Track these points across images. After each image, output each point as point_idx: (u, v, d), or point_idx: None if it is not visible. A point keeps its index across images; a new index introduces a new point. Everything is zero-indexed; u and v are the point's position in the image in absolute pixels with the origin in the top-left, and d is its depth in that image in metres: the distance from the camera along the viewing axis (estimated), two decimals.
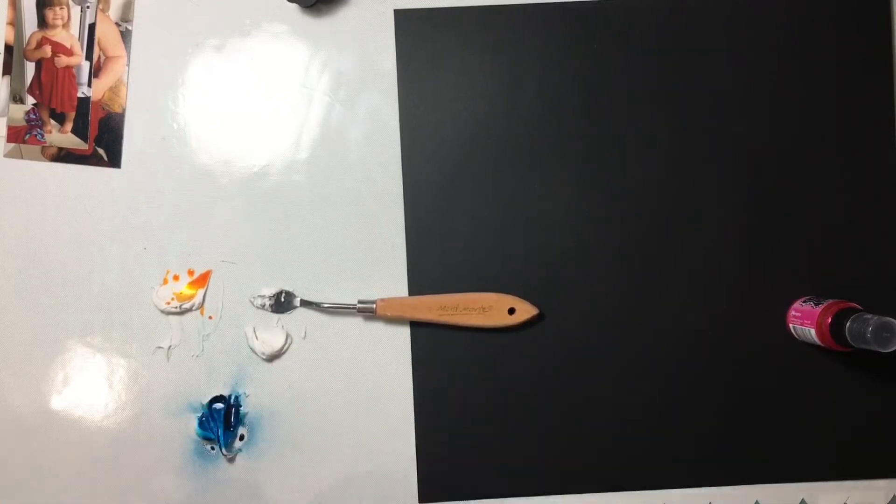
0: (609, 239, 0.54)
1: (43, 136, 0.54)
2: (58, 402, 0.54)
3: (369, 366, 0.54)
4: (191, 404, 0.54)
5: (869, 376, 0.54)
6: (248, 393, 0.54)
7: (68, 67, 0.54)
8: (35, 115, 0.54)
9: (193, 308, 0.54)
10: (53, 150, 0.54)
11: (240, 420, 0.54)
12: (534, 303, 0.53)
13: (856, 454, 0.54)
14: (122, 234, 0.54)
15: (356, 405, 0.54)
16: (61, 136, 0.54)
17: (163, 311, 0.54)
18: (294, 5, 0.54)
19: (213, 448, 0.54)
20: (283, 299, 0.54)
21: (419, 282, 0.54)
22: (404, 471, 0.54)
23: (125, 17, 0.54)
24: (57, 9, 0.54)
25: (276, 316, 0.54)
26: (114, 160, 0.54)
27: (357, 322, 0.54)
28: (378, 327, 0.54)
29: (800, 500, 0.55)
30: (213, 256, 0.54)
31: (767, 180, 0.54)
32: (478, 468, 0.54)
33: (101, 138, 0.54)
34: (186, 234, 0.54)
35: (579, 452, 0.54)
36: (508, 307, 0.53)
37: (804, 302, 0.52)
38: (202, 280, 0.54)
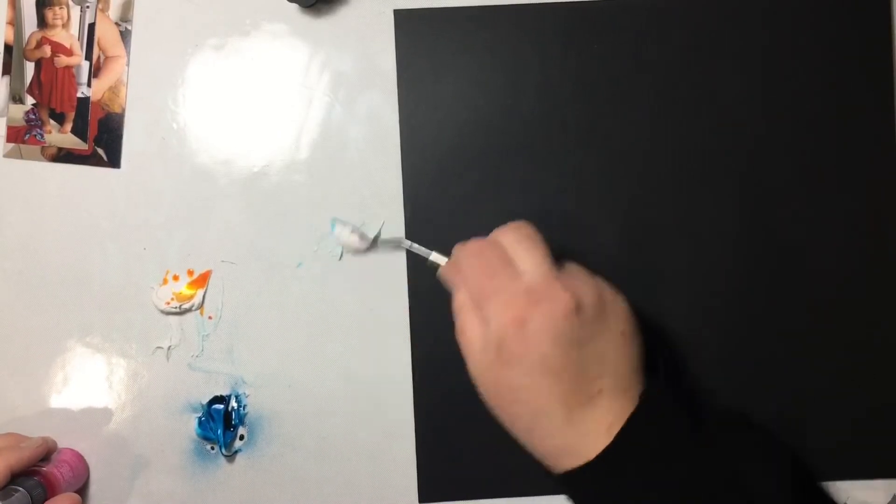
0: (610, 239, 0.54)
1: (42, 136, 0.54)
2: (57, 402, 0.54)
3: (369, 366, 0.54)
4: (190, 404, 0.54)
5: (865, 373, 0.54)
6: (247, 393, 0.54)
7: (68, 67, 0.54)
8: (34, 115, 0.54)
9: (193, 308, 0.54)
10: (53, 150, 0.54)
11: (240, 420, 0.54)
12: None
13: (855, 453, 0.54)
14: (122, 234, 0.54)
15: (356, 405, 0.54)
16: (61, 136, 0.54)
17: (162, 311, 0.54)
18: (294, 5, 0.54)
19: (213, 448, 0.54)
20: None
21: (419, 281, 0.54)
22: (404, 471, 0.54)
23: (125, 16, 0.54)
24: (56, 9, 0.54)
25: (349, 226, 0.53)
26: (113, 160, 0.54)
27: (357, 322, 0.54)
28: (379, 328, 0.54)
29: None
30: (213, 256, 0.54)
31: (767, 180, 0.54)
32: (478, 468, 0.54)
33: (100, 138, 0.54)
34: (186, 234, 0.54)
35: None
36: None
37: None
38: (202, 280, 0.54)
